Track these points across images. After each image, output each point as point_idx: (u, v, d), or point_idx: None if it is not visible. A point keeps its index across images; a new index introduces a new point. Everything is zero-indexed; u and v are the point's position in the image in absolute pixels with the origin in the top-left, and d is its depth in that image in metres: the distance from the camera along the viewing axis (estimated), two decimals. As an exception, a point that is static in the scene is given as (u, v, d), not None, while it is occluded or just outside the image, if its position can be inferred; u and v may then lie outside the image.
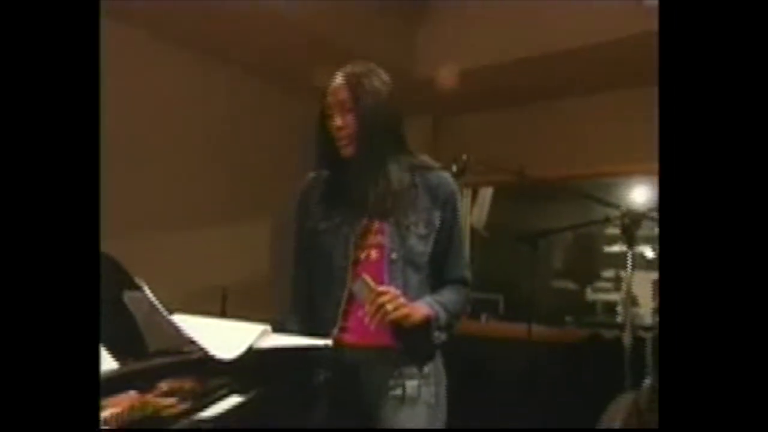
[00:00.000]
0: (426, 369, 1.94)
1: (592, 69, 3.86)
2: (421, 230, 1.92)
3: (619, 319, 3.86)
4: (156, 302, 1.30)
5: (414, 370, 1.92)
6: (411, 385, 1.91)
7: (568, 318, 4.15)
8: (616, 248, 3.80)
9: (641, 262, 3.53)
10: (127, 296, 1.30)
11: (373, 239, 1.92)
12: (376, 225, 1.92)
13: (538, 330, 3.71)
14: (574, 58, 3.67)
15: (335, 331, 1.90)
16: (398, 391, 1.89)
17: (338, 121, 1.88)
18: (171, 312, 1.34)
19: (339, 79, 1.91)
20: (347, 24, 3.90)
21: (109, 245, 1.25)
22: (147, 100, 3.50)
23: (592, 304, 4.11)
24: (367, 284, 1.76)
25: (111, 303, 1.23)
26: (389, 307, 1.76)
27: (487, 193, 4.70)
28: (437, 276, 1.99)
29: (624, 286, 3.46)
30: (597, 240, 4.23)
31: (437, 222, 1.95)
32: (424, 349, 1.94)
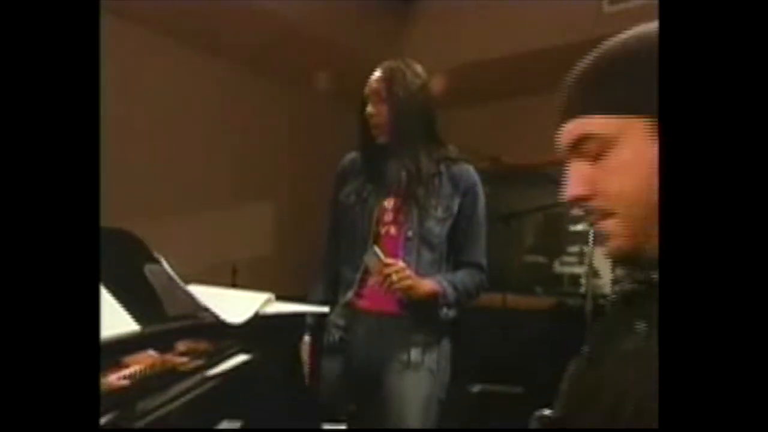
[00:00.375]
0: (429, 338, 1.95)
1: (560, 68, 3.87)
2: (440, 214, 1.94)
3: (582, 289, 3.90)
4: (173, 274, 1.32)
5: (420, 338, 1.93)
6: (416, 351, 1.92)
7: (538, 288, 4.21)
8: (580, 227, 3.85)
9: (601, 239, 3.56)
10: (148, 269, 1.30)
11: (395, 217, 1.94)
12: (399, 205, 1.94)
13: (512, 299, 3.77)
14: (543, 59, 3.69)
15: (350, 294, 1.94)
16: (404, 357, 1.91)
17: (370, 109, 1.92)
18: (187, 283, 1.35)
19: (377, 72, 1.95)
20: (339, 22, 3.86)
21: (128, 226, 1.28)
22: (155, 94, 3.44)
23: (560, 276, 4.16)
24: (376, 255, 1.80)
25: (133, 274, 1.24)
26: (394, 277, 1.79)
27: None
28: (455, 258, 2.00)
29: (587, 260, 3.52)
30: (563, 220, 4.26)
31: (456, 208, 1.96)
32: (429, 322, 1.94)
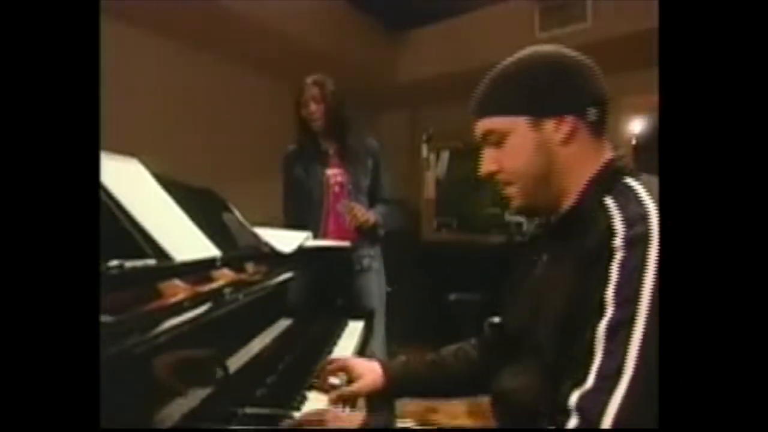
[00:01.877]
0: (372, 251, 2.19)
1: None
2: (363, 171, 2.16)
3: (523, 230, 3.94)
4: (242, 219, 1.35)
5: (366, 252, 2.17)
6: (366, 260, 2.17)
7: (493, 230, 4.23)
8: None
9: (508, 200, 3.58)
10: (225, 216, 1.32)
11: (336, 179, 2.15)
12: (339, 170, 2.15)
13: (476, 237, 3.80)
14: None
15: (320, 235, 2.10)
16: (358, 266, 2.14)
17: (312, 107, 2.10)
18: (251, 225, 1.38)
19: (309, 82, 2.12)
20: (341, 38, 3.75)
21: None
22: (149, 90, 3.08)
23: (508, 223, 4.16)
24: (346, 204, 2.07)
25: (215, 219, 1.24)
26: (359, 215, 2.05)
27: (445, 155, 4.70)
28: (373, 197, 2.20)
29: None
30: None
31: (370, 166, 2.18)
32: (373, 239, 2.18)
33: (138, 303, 0.68)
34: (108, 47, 2.61)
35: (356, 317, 1.69)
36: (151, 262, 0.75)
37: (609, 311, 0.63)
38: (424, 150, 4.85)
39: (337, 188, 2.15)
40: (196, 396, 0.71)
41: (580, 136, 0.78)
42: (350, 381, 1.02)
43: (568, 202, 0.79)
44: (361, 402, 1.05)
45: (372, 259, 2.19)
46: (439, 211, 4.75)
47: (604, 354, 0.62)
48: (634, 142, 3.85)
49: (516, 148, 0.80)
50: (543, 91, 0.79)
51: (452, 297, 3.90)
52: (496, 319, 1.01)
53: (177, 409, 0.66)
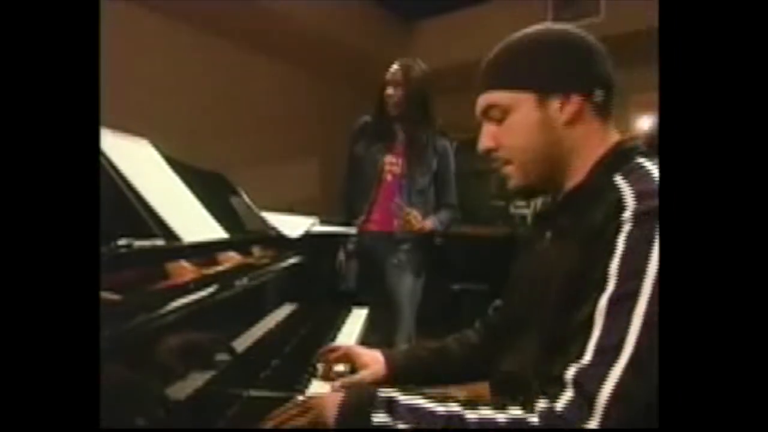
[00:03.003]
0: (408, 246, 2.04)
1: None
2: (423, 169, 2.00)
3: (528, 223, 3.92)
4: (250, 203, 1.34)
5: (406, 247, 2.03)
6: (403, 256, 2.03)
7: (498, 222, 4.21)
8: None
9: (506, 179, 3.57)
10: (233, 199, 1.32)
11: (392, 167, 2.00)
12: (397, 160, 2.01)
13: (481, 229, 3.79)
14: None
15: (362, 219, 1.99)
16: (395, 260, 2.01)
17: (390, 91, 1.97)
18: (259, 210, 1.38)
19: (395, 65, 2.01)
20: (353, 25, 3.72)
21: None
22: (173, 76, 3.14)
23: (513, 215, 4.15)
24: (400, 206, 1.91)
25: (223, 202, 1.24)
26: (414, 222, 1.90)
27: (453, 146, 4.69)
28: (436, 200, 2.06)
29: (531, 205, 3.51)
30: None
31: (434, 166, 2.02)
32: (416, 237, 2.02)
33: (145, 282, 0.68)
34: (123, 30, 2.62)
35: (360, 304, 1.69)
36: (160, 242, 0.74)
37: (611, 285, 0.61)
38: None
39: (389, 177, 2.01)
40: (201, 377, 0.71)
41: (586, 117, 0.76)
42: (353, 370, 1.01)
43: (574, 180, 0.77)
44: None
45: (410, 258, 2.03)
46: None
47: (603, 328, 0.60)
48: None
49: (518, 125, 0.77)
50: (551, 68, 0.76)
51: (456, 287, 3.90)
52: (499, 302, 1.00)
53: (182, 388, 0.66)
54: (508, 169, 0.81)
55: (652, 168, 0.69)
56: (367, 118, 2.10)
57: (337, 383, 0.97)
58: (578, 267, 0.67)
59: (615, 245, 0.62)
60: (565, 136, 0.76)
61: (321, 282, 1.55)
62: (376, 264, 2.03)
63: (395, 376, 0.99)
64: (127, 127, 0.91)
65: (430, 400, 0.67)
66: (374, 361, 1.00)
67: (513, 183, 0.81)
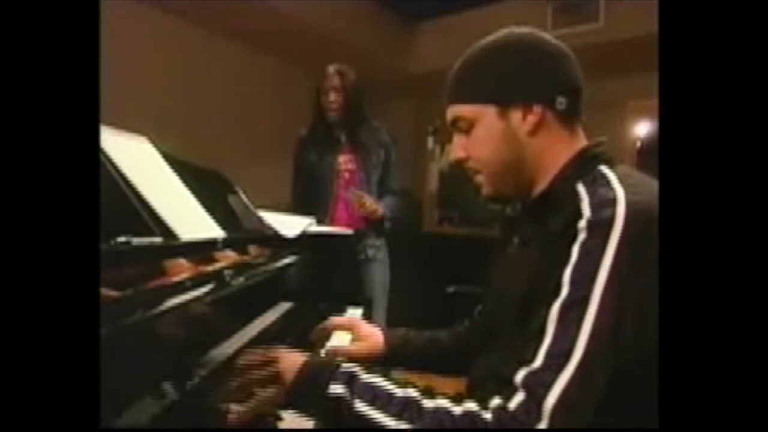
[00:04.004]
0: (378, 242, 2.19)
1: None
2: (374, 161, 2.15)
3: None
4: (248, 201, 1.35)
5: (372, 242, 2.17)
6: (371, 251, 2.17)
7: (494, 224, 4.22)
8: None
9: (479, 188, 3.58)
10: (231, 198, 1.32)
11: (347, 166, 2.14)
12: (350, 158, 2.15)
13: (475, 230, 3.80)
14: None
15: (327, 221, 2.10)
16: (362, 255, 2.15)
17: (332, 97, 2.09)
18: (256, 209, 1.38)
19: (331, 70, 2.11)
20: (353, 25, 3.72)
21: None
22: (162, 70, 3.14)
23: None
24: (355, 193, 2.04)
25: (221, 201, 1.25)
26: (367, 204, 2.03)
27: (449, 148, 4.68)
28: (382, 188, 2.18)
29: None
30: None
31: (382, 157, 2.17)
32: (379, 231, 2.17)
33: (143, 279, 0.68)
34: (122, 28, 2.61)
35: (355, 304, 1.70)
36: (158, 239, 0.75)
37: (564, 291, 0.62)
38: (430, 142, 4.83)
39: (347, 175, 2.14)
40: (196, 373, 0.72)
41: (549, 125, 0.76)
42: (353, 341, 1.03)
43: (540, 188, 0.78)
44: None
45: (377, 250, 2.18)
46: (441, 204, 4.74)
47: (554, 334, 0.60)
48: (638, 145, 3.83)
49: (483, 136, 0.78)
50: (510, 79, 0.76)
51: (451, 289, 3.90)
52: (480, 307, 1.02)
53: (178, 384, 0.66)
54: (479, 179, 0.82)
55: (611, 176, 0.70)
56: (305, 131, 2.23)
57: (331, 350, 0.98)
58: (538, 273, 0.68)
59: (570, 253, 0.63)
60: (530, 146, 0.76)
61: (317, 281, 1.55)
62: (345, 261, 2.13)
63: (390, 355, 1.00)
64: (126, 124, 0.92)
65: (390, 382, 0.67)
66: (373, 336, 1.02)
67: (485, 192, 0.83)
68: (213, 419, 0.75)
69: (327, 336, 1.07)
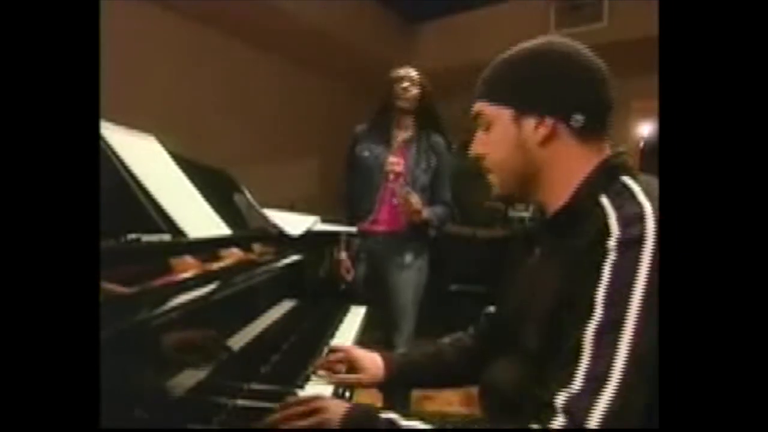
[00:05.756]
0: (418, 247, 2.08)
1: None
2: (423, 167, 2.06)
3: (526, 224, 3.93)
4: (253, 200, 1.35)
5: (412, 247, 2.07)
6: (408, 257, 2.06)
7: (497, 225, 4.22)
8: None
9: (490, 186, 3.59)
10: (236, 197, 1.33)
11: (395, 167, 2.04)
12: (399, 160, 2.05)
13: (479, 231, 3.80)
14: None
15: (370, 219, 2.06)
16: (400, 260, 2.04)
17: (406, 85, 2.05)
18: (261, 207, 1.39)
19: (404, 68, 2.09)
20: (355, 26, 3.72)
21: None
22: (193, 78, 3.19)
23: (511, 218, 4.16)
24: (403, 189, 1.98)
25: (226, 199, 1.25)
26: (413, 202, 1.94)
27: (477, 106, 4.67)
28: (434, 196, 2.09)
29: (530, 209, 3.51)
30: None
31: (433, 164, 2.07)
32: (421, 237, 2.08)
33: (151, 276, 0.68)
34: (128, 27, 2.61)
35: (358, 303, 1.70)
36: (166, 237, 0.75)
37: (598, 313, 0.61)
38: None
39: (393, 176, 2.06)
40: (203, 369, 0.72)
41: (562, 140, 0.75)
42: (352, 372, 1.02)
43: (559, 200, 0.76)
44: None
45: (415, 257, 2.08)
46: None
47: (591, 357, 0.60)
48: (642, 145, 3.83)
49: (498, 138, 0.79)
50: (528, 87, 0.76)
51: (453, 288, 3.91)
52: (492, 309, 1.02)
53: (184, 381, 0.67)
54: (491, 178, 0.83)
55: (637, 189, 0.69)
56: (364, 126, 2.16)
57: (335, 378, 0.98)
58: (566, 291, 0.67)
59: (601, 273, 0.62)
60: (540, 156, 0.76)
61: (321, 280, 1.56)
62: (382, 263, 2.06)
63: (392, 379, 1.01)
64: (134, 124, 0.93)
65: (428, 425, 0.69)
66: (373, 364, 1.01)
67: (494, 191, 0.84)
68: (217, 414, 0.76)
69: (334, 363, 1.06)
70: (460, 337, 1.04)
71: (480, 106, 0.81)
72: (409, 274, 2.07)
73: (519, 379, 0.75)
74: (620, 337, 0.59)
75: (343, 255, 1.98)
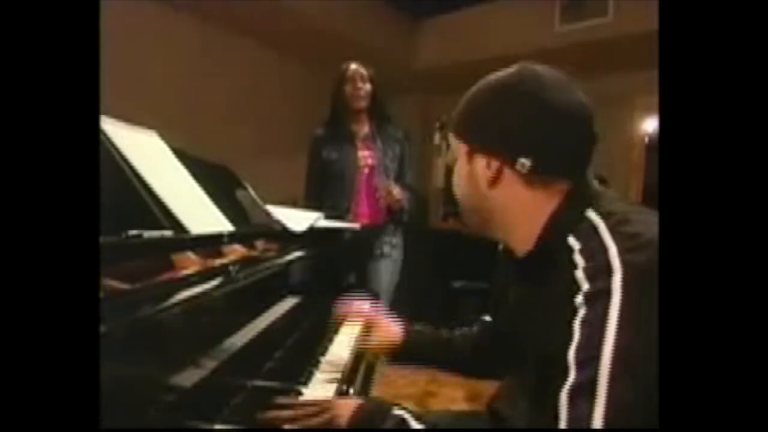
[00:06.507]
0: (395, 240, 2.23)
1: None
2: (390, 156, 2.19)
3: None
4: (255, 196, 1.35)
5: (389, 239, 2.21)
6: (386, 248, 2.21)
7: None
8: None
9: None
10: (239, 193, 1.33)
11: (367, 162, 2.16)
12: (369, 154, 2.17)
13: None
14: (505, 63, 3.60)
15: (350, 216, 2.13)
16: (378, 251, 2.19)
17: (359, 84, 2.11)
18: (264, 204, 1.39)
19: (353, 65, 2.13)
20: (359, 21, 3.71)
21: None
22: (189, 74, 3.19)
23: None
24: (385, 182, 2.12)
25: (229, 195, 1.25)
26: (395, 193, 2.08)
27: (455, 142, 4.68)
28: (398, 181, 2.20)
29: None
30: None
31: (397, 153, 2.21)
32: (398, 224, 2.23)
33: (153, 272, 0.68)
34: (130, 23, 2.61)
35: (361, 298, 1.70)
36: (168, 233, 0.75)
37: (571, 375, 0.58)
38: (437, 137, 4.83)
39: (367, 170, 2.16)
40: (205, 367, 0.72)
41: (509, 183, 0.70)
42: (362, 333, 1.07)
43: (524, 245, 0.72)
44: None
45: (393, 247, 2.22)
46: (446, 200, 4.74)
47: (568, 421, 0.57)
48: (647, 141, 3.81)
49: (458, 173, 0.77)
50: (480, 126, 0.72)
51: (456, 284, 3.91)
52: (488, 318, 1.02)
53: (187, 378, 0.67)
54: (459, 209, 0.80)
55: (604, 231, 0.63)
56: (322, 129, 2.23)
57: (352, 344, 1.03)
58: (545, 345, 0.65)
59: (572, 331, 0.60)
60: (492, 197, 0.72)
61: (324, 276, 1.56)
62: (363, 254, 2.18)
63: (408, 346, 1.04)
64: (137, 120, 0.92)
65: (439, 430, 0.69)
66: (392, 328, 1.06)
67: (462, 222, 0.81)
68: (221, 411, 0.76)
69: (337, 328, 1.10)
70: (470, 332, 1.05)
71: (450, 137, 0.79)
72: (384, 265, 2.20)
73: (521, 410, 0.75)
74: (595, 398, 0.56)
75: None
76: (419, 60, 4.25)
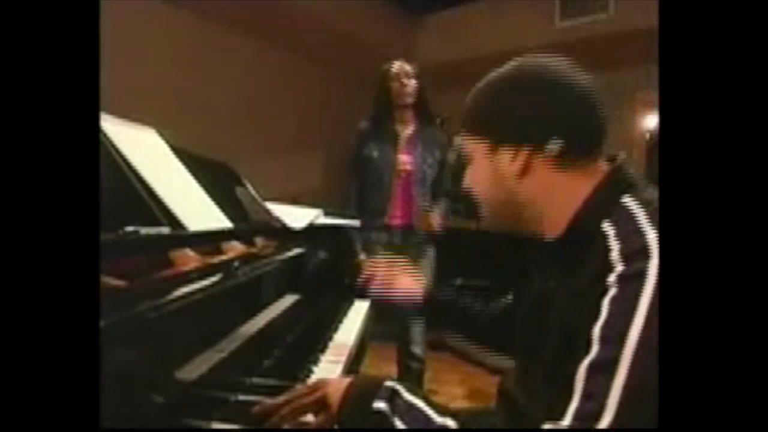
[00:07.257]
0: (426, 245, 2.22)
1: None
2: (430, 161, 2.15)
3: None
4: (255, 193, 1.35)
5: (425, 240, 2.22)
6: (421, 251, 2.20)
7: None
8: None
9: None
10: (238, 190, 1.32)
11: (405, 165, 2.13)
12: (408, 158, 2.14)
13: (481, 223, 3.79)
14: (505, 59, 3.59)
15: (386, 217, 2.14)
16: (415, 251, 2.18)
17: (404, 80, 2.08)
18: (263, 200, 1.38)
19: (397, 62, 2.11)
20: (360, 18, 3.72)
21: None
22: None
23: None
24: (426, 210, 2.16)
25: (228, 192, 1.24)
26: (434, 224, 2.13)
27: (457, 140, 4.67)
28: (435, 188, 2.20)
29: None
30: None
31: (438, 158, 2.17)
32: (431, 235, 2.22)
33: (150, 269, 0.68)
34: (130, 19, 2.61)
35: (361, 297, 1.70)
36: (165, 230, 0.75)
37: (593, 350, 0.58)
38: (438, 134, 4.83)
39: (404, 175, 2.13)
40: (204, 363, 0.72)
41: (540, 169, 0.70)
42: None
43: (556, 230, 0.71)
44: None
45: (428, 248, 2.21)
46: (449, 196, 4.73)
47: (582, 395, 0.57)
48: (648, 137, 3.80)
49: (476, 171, 0.76)
50: (499, 118, 0.71)
51: (458, 281, 3.90)
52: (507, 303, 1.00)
53: (186, 374, 0.67)
54: (480, 210, 0.79)
55: (640, 215, 0.63)
56: (367, 123, 2.19)
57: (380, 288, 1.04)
58: (569, 323, 0.65)
59: (600, 309, 0.59)
60: (521, 189, 0.71)
61: (322, 272, 1.56)
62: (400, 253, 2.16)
63: (431, 301, 1.04)
64: (134, 116, 0.92)
65: (430, 406, 0.67)
66: (416, 278, 1.06)
67: (483, 224, 0.80)
68: (220, 408, 0.76)
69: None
70: (489, 310, 1.03)
71: (461, 138, 0.78)
72: (424, 264, 2.16)
73: (534, 395, 0.73)
74: (614, 377, 0.56)
75: (362, 256, 2.01)
76: (420, 56, 4.24)
